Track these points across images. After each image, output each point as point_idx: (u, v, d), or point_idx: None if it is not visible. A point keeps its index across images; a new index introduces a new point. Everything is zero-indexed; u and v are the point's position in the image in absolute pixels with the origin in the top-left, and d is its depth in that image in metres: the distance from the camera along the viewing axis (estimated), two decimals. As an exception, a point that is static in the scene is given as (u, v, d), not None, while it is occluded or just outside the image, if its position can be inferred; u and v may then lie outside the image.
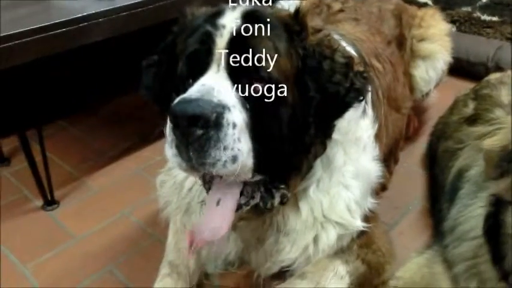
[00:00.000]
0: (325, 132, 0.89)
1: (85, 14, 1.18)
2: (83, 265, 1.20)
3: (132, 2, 1.28)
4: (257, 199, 0.89)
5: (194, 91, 0.81)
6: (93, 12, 1.21)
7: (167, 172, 1.10)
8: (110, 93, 1.57)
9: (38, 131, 1.35)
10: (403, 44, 1.48)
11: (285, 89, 0.85)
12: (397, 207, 1.34)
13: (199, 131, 0.78)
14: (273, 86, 0.84)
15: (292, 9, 1.54)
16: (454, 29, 2.42)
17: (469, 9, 2.64)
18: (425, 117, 1.73)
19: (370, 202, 1.05)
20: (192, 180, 1.01)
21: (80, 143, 1.72)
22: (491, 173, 0.75)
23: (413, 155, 1.51)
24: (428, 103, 1.74)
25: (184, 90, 0.81)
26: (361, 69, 0.94)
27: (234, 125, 0.78)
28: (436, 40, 1.51)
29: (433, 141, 1.34)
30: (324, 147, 0.92)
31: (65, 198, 1.45)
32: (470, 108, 1.23)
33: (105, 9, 1.21)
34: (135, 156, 1.63)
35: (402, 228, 1.27)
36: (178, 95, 0.80)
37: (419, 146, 1.51)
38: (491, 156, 0.75)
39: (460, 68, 2.05)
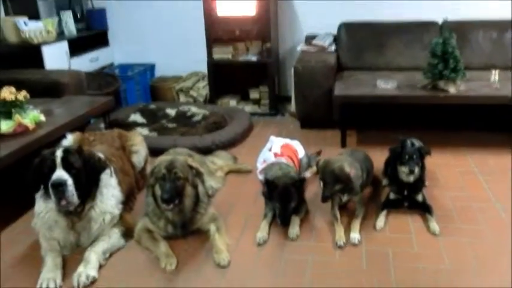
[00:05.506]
0: (95, 183, 2.55)
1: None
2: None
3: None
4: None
5: (57, 175, 2.36)
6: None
7: (37, 216, 2.56)
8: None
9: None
10: (125, 149, 3.20)
11: (81, 171, 2.46)
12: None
13: (61, 188, 2.35)
14: (76, 170, 2.45)
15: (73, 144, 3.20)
16: (156, 134, 4.47)
17: (164, 121, 4.72)
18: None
19: (119, 208, 2.68)
20: (50, 213, 2.54)
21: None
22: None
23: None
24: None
25: (50, 177, 2.38)
26: (104, 161, 2.72)
27: (70, 185, 2.38)
28: (137, 144, 3.25)
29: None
30: (96, 187, 2.57)
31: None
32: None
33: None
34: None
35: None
36: (48, 180, 2.39)
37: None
38: None
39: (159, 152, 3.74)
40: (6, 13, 4.64)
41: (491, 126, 4.23)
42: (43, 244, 2.57)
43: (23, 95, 3.00)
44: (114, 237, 2.64)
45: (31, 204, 2.65)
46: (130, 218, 2.83)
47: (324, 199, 2.77)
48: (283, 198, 2.75)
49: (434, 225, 2.71)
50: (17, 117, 2.92)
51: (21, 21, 4.38)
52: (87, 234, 2.61)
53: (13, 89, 2.99)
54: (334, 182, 2.76)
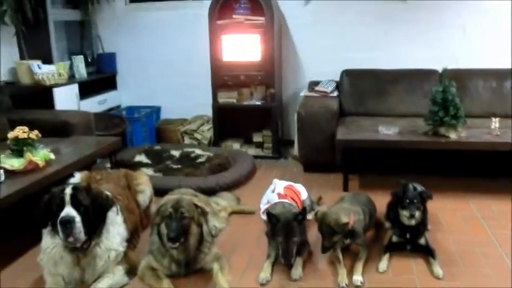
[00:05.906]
0: (102, 220, 2.59)
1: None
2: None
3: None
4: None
5: (66, 212, 2.42)
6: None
7: (44, 252, 2.60)
8: None
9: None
10: (130, 188, 3.31)
11: (89, 207, 2.52)
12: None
13: (69, 225, 2.40)
14: (84, 207, 2.52)
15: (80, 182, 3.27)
16: (160, 174, 4.52)
17: (168, 162, 4.78)
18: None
19: (123, 245, 2.72)
20: (56, 248, 2.58)
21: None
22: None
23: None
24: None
25: (59, 214, 2.43)
26: (111, 198, 2.77)
27: (78, 222, 2.43)
28: (143, 184, 3.33)
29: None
30: (103, 224, 2.61)
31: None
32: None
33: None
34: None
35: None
36: (57, 216, 2.43)
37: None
38: None
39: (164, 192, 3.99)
40: (22, 57, 4.87)
41: (492, 172, 4.28)
42: (48, 280, 2.59)
43: (35, 134, 3.10)
44: (118, 274, 2.66)
45: (37, 240, 2.68)
46: (134, 256, 2.84)
47: (324, 250, 2.81)
48: (286, 232, 2.76)
49: (437, 269, 2.72)
50: (28, 154, 3.01)
51: (35, 64, 4.57)
52: (91, 271, 2.61)
53: (26, 129, 3.10)
54: (332, 235, 2.80)
